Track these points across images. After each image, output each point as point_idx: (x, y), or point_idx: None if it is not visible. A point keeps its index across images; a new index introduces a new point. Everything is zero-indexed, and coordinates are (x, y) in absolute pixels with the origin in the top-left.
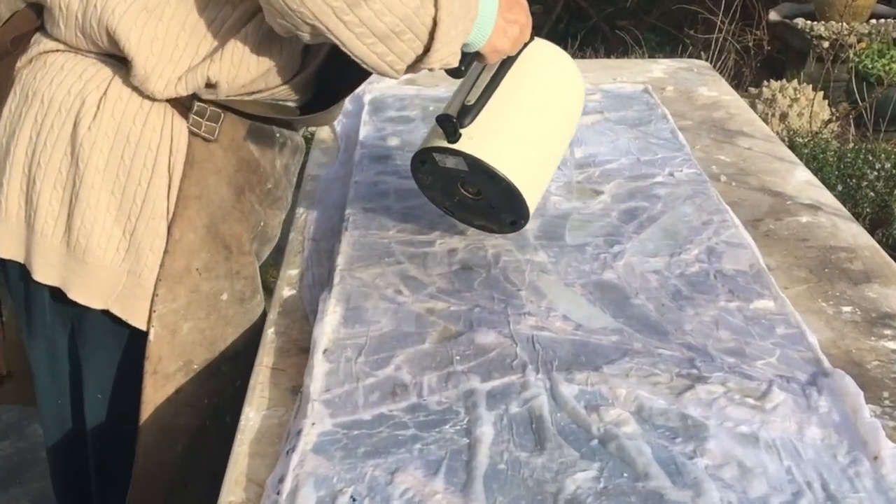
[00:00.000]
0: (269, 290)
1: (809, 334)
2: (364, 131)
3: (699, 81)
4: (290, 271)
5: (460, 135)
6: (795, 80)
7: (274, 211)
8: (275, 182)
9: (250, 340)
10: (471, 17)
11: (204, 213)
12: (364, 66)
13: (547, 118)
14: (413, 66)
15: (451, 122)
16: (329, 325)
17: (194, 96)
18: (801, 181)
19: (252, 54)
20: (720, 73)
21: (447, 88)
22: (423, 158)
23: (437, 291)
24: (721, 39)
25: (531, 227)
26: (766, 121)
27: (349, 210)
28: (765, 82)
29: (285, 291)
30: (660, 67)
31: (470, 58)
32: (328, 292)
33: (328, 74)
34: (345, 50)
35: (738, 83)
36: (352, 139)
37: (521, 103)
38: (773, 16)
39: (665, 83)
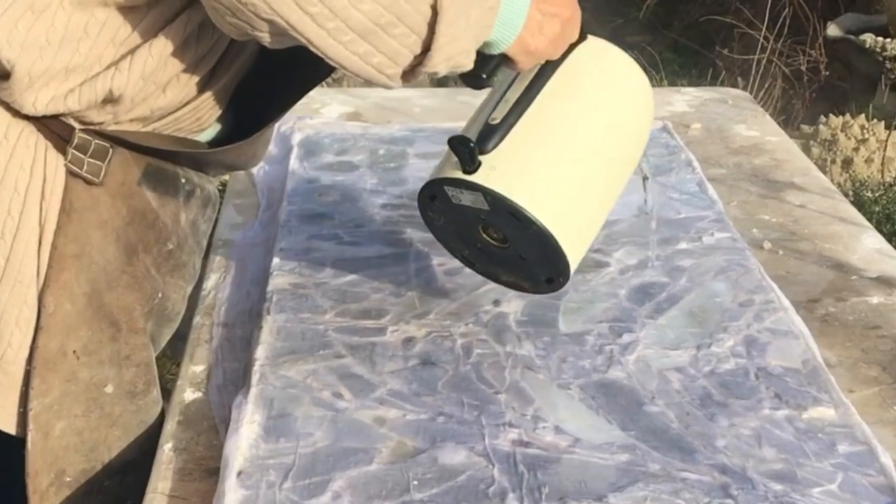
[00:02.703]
0: (166, 392)
1: (882, 453)
2: (293, 182)
3: (735, 116)
4: (194, 367)
5: (480, 163)
6: (863, 115)
7: (176, 280)
8: (178, 242)
9: (143, 449)
10: (489, 5)
11: (84, 277)
12: (347, 73)
13: (600, 145)
14: (412, 71)
15: (468, 147)
16: (245, 438)
17: (74, 127)
18: (870, 249)
19: (168, 65)
20: (763, 105)
21: (403, 125)
22: (433, 193)
23: (388, 395)
24: (764, 61)
25: (512, 309)
26: (823, 169)
27: (273, 286)
28: (822, 118)
29: (187, 394)
30: (683, 98)
31: (495, 62)
32: (244, 395)
33: (250, 99)
34: (318, 53)
35: (786, 119)
36: (276, 192)
37: (564, 124)
38: (833, 31)
39: (690, 119)
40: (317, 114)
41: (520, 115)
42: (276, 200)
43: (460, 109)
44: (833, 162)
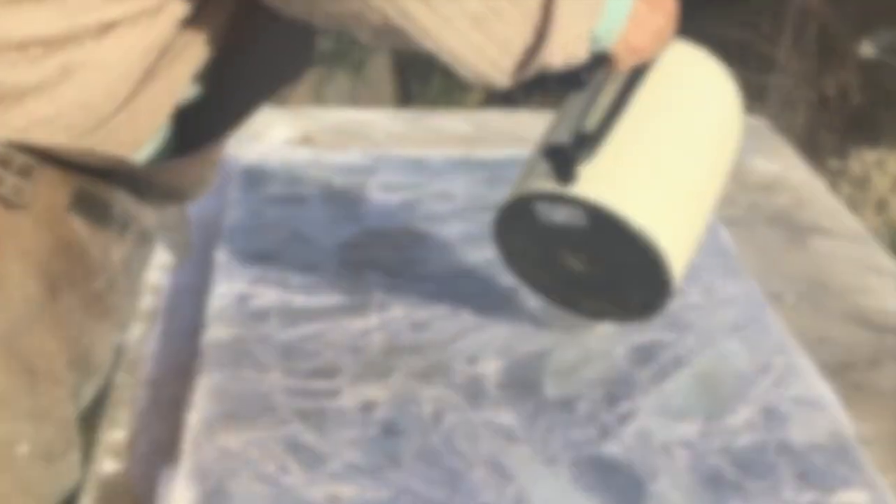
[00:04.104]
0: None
1: None
2: (232, 217)
3: (752, 149)
4: (114, 433)
5: (577, 175)
6: None
7: (104, 326)
8: (108, 281)
9: None
10: None
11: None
12: (458, 71)
13: (700, 157)
14: (524, 65)
15: (566, 156)
16: None
17: None
18: None
19: (144, 51)
20: (784, 135)
21: (362, 152)
22: (518, 211)
23: (343, 468)
24: (786, 84)
25: (490, 369)
26: (854, 211)
27: (208, 339)
28: (853, 151)
29: (106, 464)
30: None
31: (594, 61)
32: (174, 467)
33: (196, 122)
34: (430, 47)
35: (811, 152)
36: (212, 228)
37: (661, 131)
38: (867, 49)
39: None
40: (260, 137)
41: (614, 122)
42: (213, 238)
43: (429, 135)
44: (866, 202)
